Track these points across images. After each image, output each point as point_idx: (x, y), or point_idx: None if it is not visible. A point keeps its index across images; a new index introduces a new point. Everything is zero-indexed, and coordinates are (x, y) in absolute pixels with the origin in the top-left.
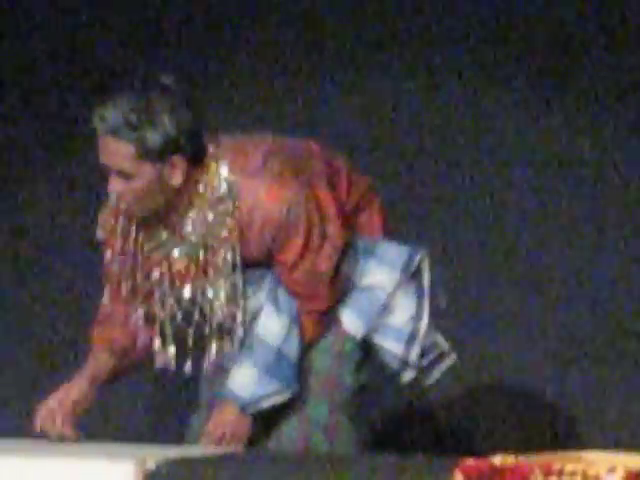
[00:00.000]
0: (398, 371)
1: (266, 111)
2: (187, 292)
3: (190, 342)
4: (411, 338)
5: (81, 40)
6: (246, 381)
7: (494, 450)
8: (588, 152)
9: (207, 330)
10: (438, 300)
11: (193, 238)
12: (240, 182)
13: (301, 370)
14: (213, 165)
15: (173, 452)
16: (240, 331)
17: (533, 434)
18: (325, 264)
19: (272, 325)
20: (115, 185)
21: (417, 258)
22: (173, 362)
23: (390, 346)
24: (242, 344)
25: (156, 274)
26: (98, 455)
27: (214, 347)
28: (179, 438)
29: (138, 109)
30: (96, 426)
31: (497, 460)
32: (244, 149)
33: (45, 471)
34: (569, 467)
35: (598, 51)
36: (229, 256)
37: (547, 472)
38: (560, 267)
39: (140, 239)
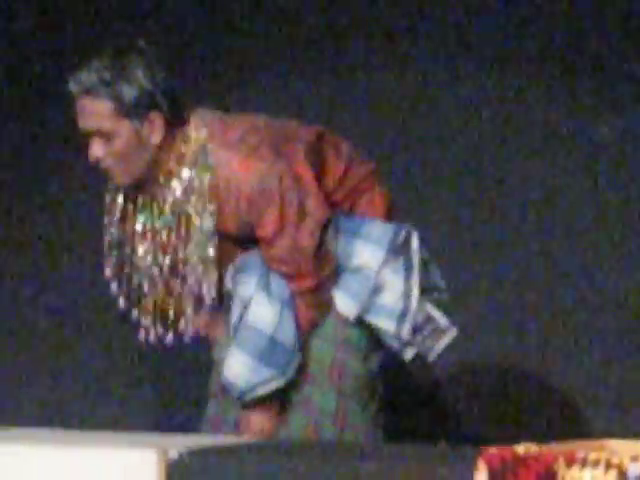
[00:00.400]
0: (399, 350)
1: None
2: (167, 262)
3: (172, 314)
4: (402, 315)
5: None
6: (240, 369)
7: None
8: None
9: (184, 301)
10: (439, 292)
11: (173, 208)
12: (217, 153)
13: (306, 359)
14: (193, 135)
15: (195, 441)
16: (234, 317)
17: (538, 421)
18: (307, 239)
19: (263, 312)
20: (96, 149)
21: (402, 234)
22: (153, 334)
23: (383, 324)
24: (236, 331)
25: (142, 246)
26: (120, 444)
27: (189, 318)
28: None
29: (112, 67)
30: (110, 417)
31: (520, 449)
32: (225, 123)
33: (67, 460)
34: (592, 456)
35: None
36: (205, 225)
37: (570, 461)
38: (563, 251)
39: (129, 212)
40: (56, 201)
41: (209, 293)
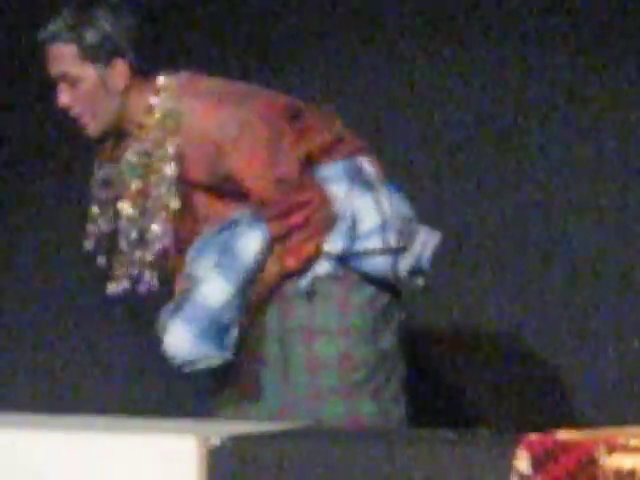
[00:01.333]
0: (398, 278)
1: None
2: (130, 211)
3: (136, 266)
4: (382, 227)
5: None
6: (180, 341)
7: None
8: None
9: (146, 254)
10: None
11: (140, 159)
12: (185, 103)
13: (312, 355)
14: (162, 86)
15: (236, 427)
16: (179, 290)
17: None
18: (289, 170)
19: (213, 290)
20: (63, 96)
21: (358, 161)
22: (117, 286)
23: (371, 245)
24: (179, 304)
25: (112, 195)
26: (159, 431)
27: (149, 272)
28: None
29: (77, 14)
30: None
31: (561, 435)
32: (196, 77)
33: (106, 447)
34: (634, 442)
35: None
36: (169, 173)
37: (612, 447)
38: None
39: (108, 158)
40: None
41: (164, 241)
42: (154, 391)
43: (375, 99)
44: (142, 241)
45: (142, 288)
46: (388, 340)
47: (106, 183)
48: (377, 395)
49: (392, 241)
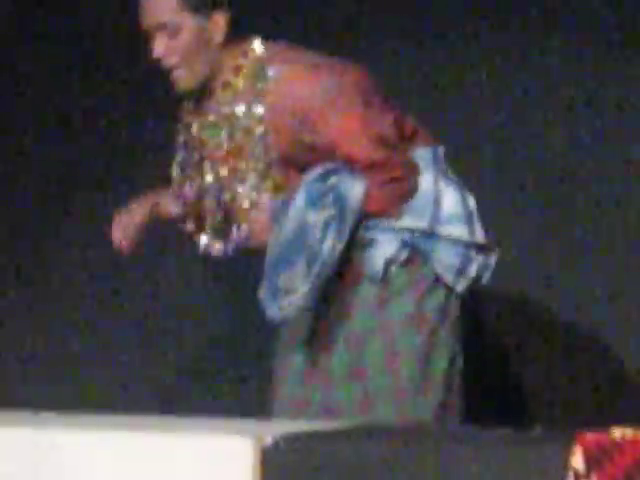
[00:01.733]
0: (454, 281)
1: None
2: (224, 172)
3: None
4: (469, 219)
5: None
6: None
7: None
8: None
9: (233, 216)
10: None
11: (226, 120)
12: (276, 67)
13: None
14: (252, 49)
15: (287, 427)
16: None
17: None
18: (385, 130)
19: (331, 247)
20: (160, 45)
21: (439, 151)
22: (210, 245)
23: (457, 232)
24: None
25: (197, 156)
26: (212, 430)
27: (236, 232)
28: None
29: None
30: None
31: (616, 434)
32: (289, 48)
33: (161, 447)
34: None
35: None
36: (259, 135)
37: None
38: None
39: (190, 119)
40: None
41: (260, 202)
42: (199, 390)
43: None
44: (233, 201)
45: (235, 247)
46: (446, 335)
47: (187, 146)
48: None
49: (478, 237)
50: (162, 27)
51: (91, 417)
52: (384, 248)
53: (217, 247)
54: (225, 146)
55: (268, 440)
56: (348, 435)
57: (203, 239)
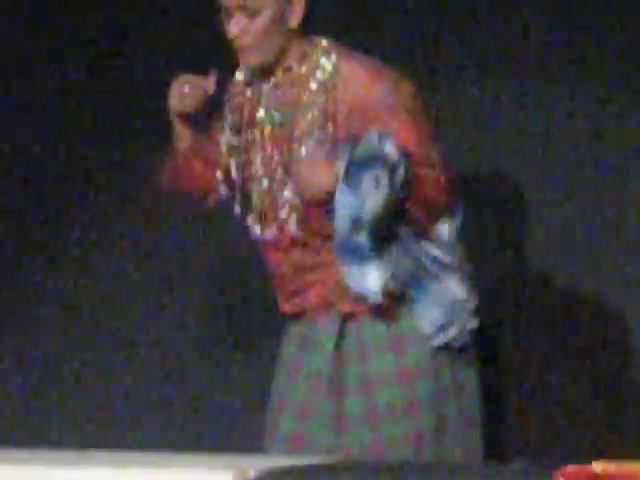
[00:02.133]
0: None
1: None
2: (276, 156)
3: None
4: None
5: None
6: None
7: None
8: None
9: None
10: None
11: (284, 106)
12: (341, 61)
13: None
14: (317, 42)
15: (270, 462)
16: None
17: None
18: (430, 149)
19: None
20: (237, 24)
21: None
22: (257, 228)
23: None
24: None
25: (252, 136)
26: (196, 465)
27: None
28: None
29: None
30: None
31: (598, 467)
32: (352, 51)
33: None
34: None
35: None
36: (317, 125)
37: None
38: None
39: (241, 100)
40: None
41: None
42: (183, 425)
43: None
44: (285, 185)
45: (288, 233)
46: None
47: (237, 129)
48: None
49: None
50: (242, 7)
51: (72, 453)
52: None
53: (267, 231)
54: (279, 129)
55: (251, 475)
56: (331, 470)
57: (249, 221)
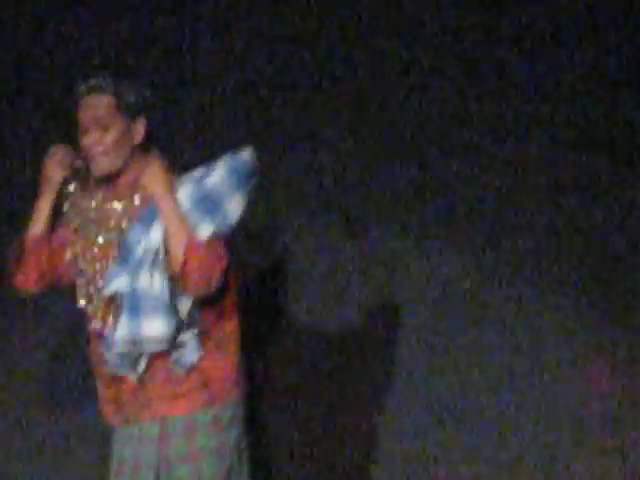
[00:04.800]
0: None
1: None
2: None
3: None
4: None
5: None
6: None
7: None
8: None
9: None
10: None
11: (115, 227)
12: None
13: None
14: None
15: None
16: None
17: None
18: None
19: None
20: (91, 136)
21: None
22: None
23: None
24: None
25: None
26: None
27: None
28: None
29: (115, 76)
30: None
31: None
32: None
33: None
34: None
35: None
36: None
37: None
38: None
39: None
40: None
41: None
42: None
43: None
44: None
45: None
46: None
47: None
48: None
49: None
50: (96, 122)
51: None
52: None
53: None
54: (105, 239)
55: None
56: None
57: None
